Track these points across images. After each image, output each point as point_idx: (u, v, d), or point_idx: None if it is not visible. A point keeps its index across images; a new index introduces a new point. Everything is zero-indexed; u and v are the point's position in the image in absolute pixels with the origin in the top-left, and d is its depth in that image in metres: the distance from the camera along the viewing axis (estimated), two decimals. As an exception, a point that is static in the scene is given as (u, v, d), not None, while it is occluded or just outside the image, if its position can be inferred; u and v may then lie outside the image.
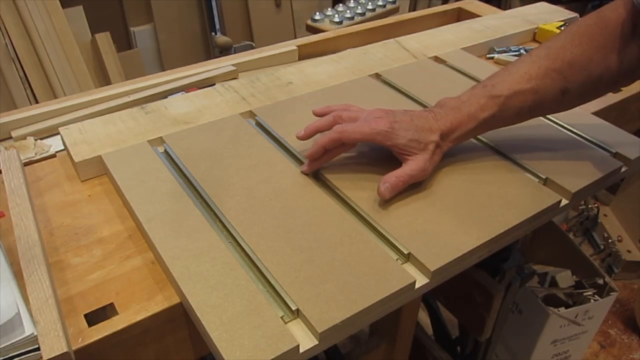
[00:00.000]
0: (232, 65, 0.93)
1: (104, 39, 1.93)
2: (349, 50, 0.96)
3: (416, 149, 0.59)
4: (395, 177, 0.58)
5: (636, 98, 0.91)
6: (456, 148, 0.64)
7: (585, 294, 1.26)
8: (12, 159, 0.65)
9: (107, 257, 0.55)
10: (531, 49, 1.00)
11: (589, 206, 1.65)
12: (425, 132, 0.59)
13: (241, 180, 0.62)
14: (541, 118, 0.76)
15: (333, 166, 0.65)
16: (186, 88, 0.86)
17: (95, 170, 0.66)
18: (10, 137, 0.75)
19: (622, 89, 0.90)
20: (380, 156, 0.66)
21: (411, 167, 0.59)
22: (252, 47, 1.90)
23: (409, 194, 0.60)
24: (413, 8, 2.66)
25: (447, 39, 0.99)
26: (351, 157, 0.66)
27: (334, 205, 0.59)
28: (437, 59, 0.92)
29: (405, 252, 0.53)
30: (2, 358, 0.43)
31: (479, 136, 0.71)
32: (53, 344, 0.43)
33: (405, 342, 0.86)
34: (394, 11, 1.87)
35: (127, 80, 0.89)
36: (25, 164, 0.68)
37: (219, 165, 0.64)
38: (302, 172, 0.63)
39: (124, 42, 2.19)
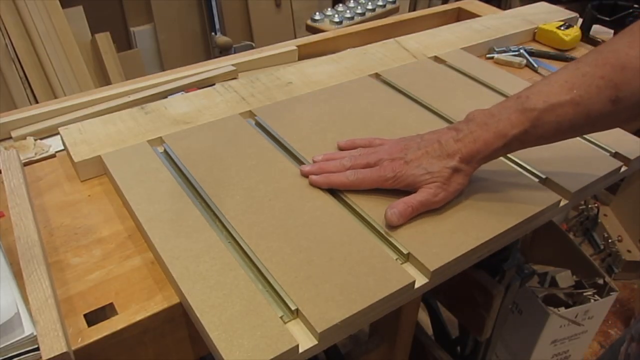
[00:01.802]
0: (232, 65, 0.93)
1: (104, 39, 1.93)
2: (348, 50, 0.96)
3: (429, 181, 0.56)
4: (403, 203, 0.55)
5: (636, 98, 0.91)
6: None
7: (585, 294, 1.26)
8: (12, 159, 0.65)
9: (106, 257, 0.55)
10: (531, 49, 1.00)
11: (589, 206, 1.65)
12: (442, 160, 0.56)
13: (241, 180, 0.62)
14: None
15: (333, 166, 0.65)
16: (186, 88, 0.86)
17: (95, 170, 0.66)
18: (10, 137, 0.75)
19: None
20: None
21: (422, 194, 0.56)
22: (252, 47, 1.90)
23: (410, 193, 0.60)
24: (413, 8, 2.66)
25: (447, 39, 0.99)
26: (351, 157, 0.66)
27: (334, 205, 0.59)
28: (437, 59, 0.92)
29: (405, 252, 0.53)
30: (1, 358, 0.43)
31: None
32: (52, 344, 0.43)
33: (405, 342, 0.86)
34: (394, 11, 1.87)
35: (127, 80, 0.89)
36: (25, 164, 0.68)
37: (218, 165, 0.64)
38: (302, 174, 0.63)
39: (124, 42, 2.19)
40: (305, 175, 0.62)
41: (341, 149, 0.67)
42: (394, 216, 0.55)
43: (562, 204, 0.62)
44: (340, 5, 1.80)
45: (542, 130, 0.53)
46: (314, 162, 0.64)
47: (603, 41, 1.05)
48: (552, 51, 1.02)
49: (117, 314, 0.49)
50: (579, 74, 0.52)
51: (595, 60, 0.52)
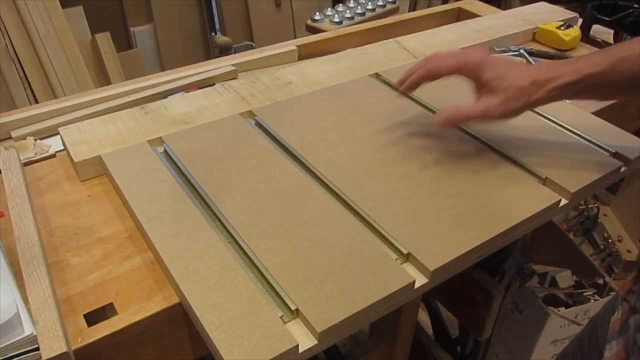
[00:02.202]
0: (232, 65, 0.93)
1: (104, 39, 1.93)
2: (348, 50, 0.96)
3: (497, 88, 0.56)
4: (455, 109, 0.57)
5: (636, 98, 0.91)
6: (456, 148, 0.64)
7: (585, 294, 1.26)
8: (12, 159, 0.65)
9: (106, 257, 0.55)
10: (531, 49, 1.00)
11: (589, 206, 1.65)
12: (516, 75, 0.56)
13: (241, 180, 0.62)
14: (541, 118, 0.76)
15: (333, 166, 0.65)
16: (186, 88, 0.86)
17: (95, 170, 0.66)
18: (10, 137, 0.75)
19: None
20: (381, 156, 0.66)
21: (477, 104, 0.57)
22: (252, 47, 1.90)
23: (410, 193, 0.60)
24: (413, 8, 2.66)
25: (447, 39, 0.99)
26: (351, 157, 0.66)
27: (334, 205, 0.59)
28: (437, 59, 0.92)
29: (405, 252, 0.53)
30: (1, 358, 0.43)
31: (478, 136, 0.71)
32: (52, 343, 0.43)
33: (405, 342, 0.86)
34: (394, 11, 1.87)
35: (127, 80, 0.89)
36: (25, 164, 0.68)
37: (218, 165, 0.64)
38: (398, 88, 0.66)
39: (124, 42, 2.19)
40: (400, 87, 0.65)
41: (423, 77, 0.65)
42: (441, 119, 0.58)
43: (562, 204, 0.62)
44: (340, 5, 1.80)
45: (617, 76, 0.54)
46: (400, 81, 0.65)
47: (603, 41, 1.05)
48: (552, 51, 1.02)
49: (117, 314, 0.49)
50: None
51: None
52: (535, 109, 0.78)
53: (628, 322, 0.56)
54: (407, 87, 0.63)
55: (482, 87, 0.57)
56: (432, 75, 0.61)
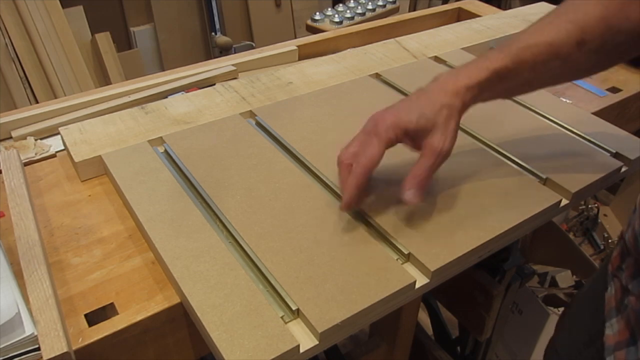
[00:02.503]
0: (232, 65, 0.93)
1: (104, 39, 1.93)
2: (349, 50, 0.96)
3: (427, 125, 0.53)
4: (413, 178, 0.53)
5: (636, 98, 0.91)
6: (456, 148, 0.64)
7: (585, 294, 1.26)
8: (12, 159, 0.65)
9: (107, 257, 0.55)
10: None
11: (589, 206, 1.65)
12: (432, 103, 0.53)
13: (241, 180, 0.62)
14: (541, 118, 0.76)
15: (333, 166, 0.64)
16: (186, 88, 0.86)
17: (95, 170, 0.66)
18: (10, 137, 0.75)
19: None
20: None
21: (424, 158, 0.53)
22: (252, 47, 1.90)
23: (409, 194, 0.60)
24: (413, 8, 2.66)
25: (447, 39, 0.99)
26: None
27: (334, 205, 0.59)
28: (437, 59, 0.92)
29: (405, 252, 0.53)
30: (2, 358, 0.43)
31: (478, 136, 0.71)
32: (53, 343, 0.43)
33: (405, 342, 0.86)
34: (394, 11, 1.87)
35: (127, 80, 0.89)
36: (25, 164, 0.68)
37: (219, 165, 0.64)
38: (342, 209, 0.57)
39: (124, 42, 2.19)
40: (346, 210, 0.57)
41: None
42: (414, 198, 0.53)
43: (562, 204, 0.62)
44: (340, 5, 1.80)
45: (520, 67, 0.54)
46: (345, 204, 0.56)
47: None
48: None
49: (117, 314, 0.49)
50: (547, 22, 0.55)
51: (557, 13, 0.55)
52: (536, 109, 0.78)
53: (624, 303, 0.55)
54: (351, 204, 0.55)
55: (414, 138, 0.54)
56: (369, 172, 0.54)
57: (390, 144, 0.54)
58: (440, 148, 0.53)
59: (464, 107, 0.55)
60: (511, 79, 0.55)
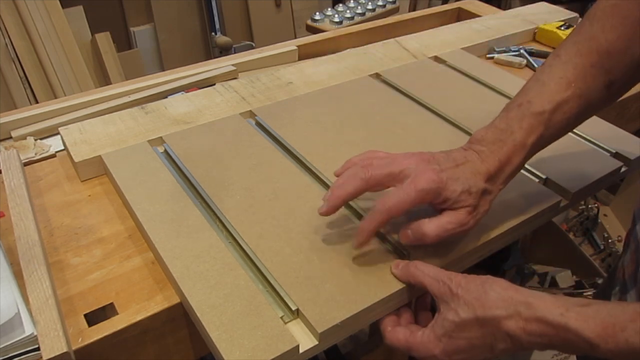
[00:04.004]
0: (232, 65, 0.93)
1: (104, 39, 1.93)
2: (349, 50, 0.96)
3: (467, 202, 0.49)
4: (439, 226, 0.49)
5: (636, 98, 0.91)
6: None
7: (585, 294, 1.26)
8: (12, 159, 0.65)
9: (107, 257, 0.55)
10: (531, 49, 1.00)
11: (589, 206, 1.65)
12: (475, 178, 0.50)
13: (241, 180, 0.62)
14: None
15: (333, 166, 0.64)
16: (186, 88, 0.86)
17: (95, 170, 0.66)
18: (10, 137, 0.75)
19: None
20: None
21: (449, 218, 0.49)
22: (252, 47, 1.90)
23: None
24: (413, 8, 2.66)
25: (447, 39, 0.99)
26: (352, 156, 0.66)
27: (334, 205, 0.59)
28: (437, 59, 0.92)
29: (405, 252, 0.53)
30: (2, 358, 0.43)
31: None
32: (53, 344, 0.43)
33: (405, 342, 0.86)
34: (394, 11, 1.87)
35: (127, 80, 0.89)
36: (25, 164, 0.68)
37: (218, 165, 0.64)
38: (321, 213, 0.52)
39: (124, 42, 2.19)
40: (324, 214, 0.52)
41: (339, 175, 0.54)
42: (432, 235, 0.49)
43: (562, 204, 0.62)
44: (340, 5, 1.80)
45: (554, 129, 0.52)
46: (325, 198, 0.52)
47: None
48: (552, 51, 1.02)
49: (117, 314, 0.49)
50: (570, 68, 0.51)
51: (579, 51, 0.52)
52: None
53: (637, 275, 0.55)
54: (360, 242, 0.51)
55: (448, 207, 0.50)
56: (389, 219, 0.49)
57: (421, 202, 0.49)
58: (465, 222, 0.50)
59: (497, 192, 0.52)
60: (543, 144, 0.53)
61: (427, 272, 0.47)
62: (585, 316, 0.39)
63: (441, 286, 0.46)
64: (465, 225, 0.50)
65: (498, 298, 0.42)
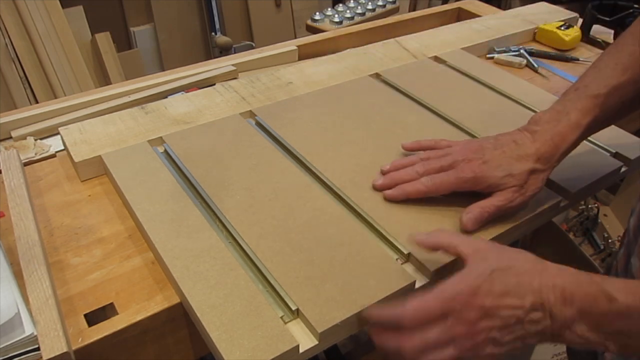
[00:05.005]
0: (232, 65, 0.93)
1: (104, 39, 1.93)
2: (349, 50, 0.96)
3: (511, 183, 0.54)
4: (480, 207, 0.54)
5: (636, 98, 0.91)
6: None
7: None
8: (12, 159, 0.65)
9: (107, 257, 0.55)
10: (531, 49, 1.00)
11: (589, 206, 1.65)
12: (520, 161, 0.54)
13: (241, 180, 0.62)
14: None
15: (333, 166, 0.65)
16: (186, 88, 0.86)
17: (95, 170, 0.66)
18: (10, 137, 0.75)
19: None
20: (381, 156, 0.66)
21: (498, 198, 0.54)
22: (252, 47, 1.90)
23: (409, 194, 0.60)
24: (413, 8, 2.66)
25: (447, 39, 0.99)
26: (351, 157, 0.66)
27: (334, 205, 0.59)
28: (437, 59, 0.92)
29: (405, 252, 0.53)
30: (2, 358, 0.43)
31: (479, 136, 0.71)
32: (53, 344, 0.43)
33: (405, 342, 0.86)
34: (394, 11, 1.87)
35: (127, 80, 0.89)
36: (25, 164, 0.68)
37: (218, 165, 0.64)
38: (375, 188, 0.60)
39: (124, 42, 2.19)
40: (379, 189, 0.59)
41: (407, 149, 0.64)
42: (469, 222, 0.54)
43: (562, 204, 0.62)
44: (340, 5, 1.80)
45: (609, 112, 0.54)
46: (383, 173, 0.61)
47: (603, 41, 1.05)
48: (552, 51, 1.02)
49: (117, 314, 0.49)
50: (626, 54, 0.54)
51: (635, 40, 0.54)
52: (536, 109, 0.78)
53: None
54: (392, 197, 0.58)
55: (494, 190, 0.55)
56: (429, 195, 0.57)
57: (460, 188, 0.56)
58: (512, 205, 0.55)
59: (551, 171, 0.56)
60: (597, 126, 0.56)
61: (456, 235, 0.51)
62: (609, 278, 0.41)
63: (474, 243, 0.47)
64: (513, 201, 0.54)
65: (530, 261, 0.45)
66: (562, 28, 1.03)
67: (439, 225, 0.56)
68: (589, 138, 0.72)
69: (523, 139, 0.55)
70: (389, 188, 0.59)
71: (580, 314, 0.40)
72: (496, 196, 0.55)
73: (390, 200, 0.59)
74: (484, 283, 0.42)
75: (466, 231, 0.55)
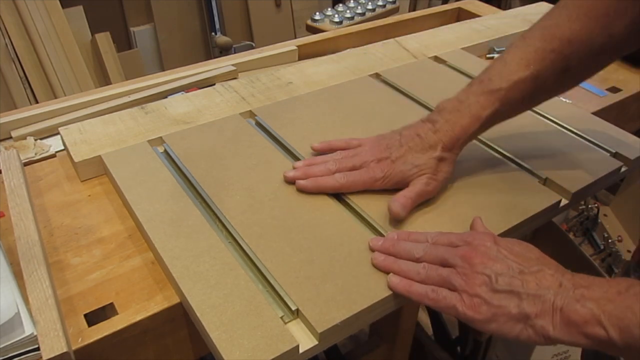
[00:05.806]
0: (232, 65, 0.93)
1: (104, 39, 1.93)
2: (349, 50, 0.96)
3: (418, 174, 0.58)
4: (402, 196, 0.57)
5: (636, 98, 0.91)
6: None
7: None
8: (12, 159, 0.65)
9: (107, 257, 0.55)
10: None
11: (589, 206, 1.65)
12: (425, 152, 0.58)
13: (241, 180, 0.62)
14: (541, 118, 0.76)
15: (333, 166, 0.64)
16: (186, 88, 0.86)
17: (95, 170, 0.66)
18: (10, 137, 0.75)
19: (622, 89, 0.90)
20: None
21: (415, 186, 0.58)
22: (252, 47, 1.91)
23: (409, 194, 0.60)
24: (413, 8, 2.66)
25: (447, 39, 0.99)
26: (351, 157, 0.66)
27: (334, 205, 0.59)
28: (437, 59, 0.92)
29: (405, 252, 0.53)
30: (2, 358, 0.43)
31: (478, 136, 0.71)
32: (53, 344, 0.43)
33: (405, 342, 0.86)
34: (394, 11, 1.87)
35: (127, 80, 0.89)
36: (25, 164, 0.68)
37: (218, 165, 0.64)
38: (287, 180, 0.61)
39: (124, 42, 2.19)
40: (290, 181, 0.61)
41: (317, 150, 0.66)
42: (398, 208, 0.56)
43: (562, 204, 0.62)
44: (340, 5, 1.80)
45: (509, 107, 0.57)
46: (295, 168, 0.62)
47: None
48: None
49: (117, 314, 0.49)
50: (532, 50, 0.56)
51: (542, 36, 0.56)
52: (535, 109, 0.78)
53: None
54: (306, 188, 0.60)
55: (406, 181, 0.59)
56: (341, 190, 0.60)
57: (371, 187, 0.60)
58: (429, 189, 0.58)
59: (456, 156, 0.60)
60: (499, 118, 0.59)
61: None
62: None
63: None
64: (429, 185, 0.58)
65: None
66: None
67: (439, 225, 0.57)
68: (589, 138, 0.72)
69: (426, 131, 0.59)
70: (302, 179, 0.60)
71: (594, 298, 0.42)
72: (413, 184, 0.58)
73: (302, 190, 0.60)
74: (502, 241, 0.48)
75: (398, 219, 0.56)
